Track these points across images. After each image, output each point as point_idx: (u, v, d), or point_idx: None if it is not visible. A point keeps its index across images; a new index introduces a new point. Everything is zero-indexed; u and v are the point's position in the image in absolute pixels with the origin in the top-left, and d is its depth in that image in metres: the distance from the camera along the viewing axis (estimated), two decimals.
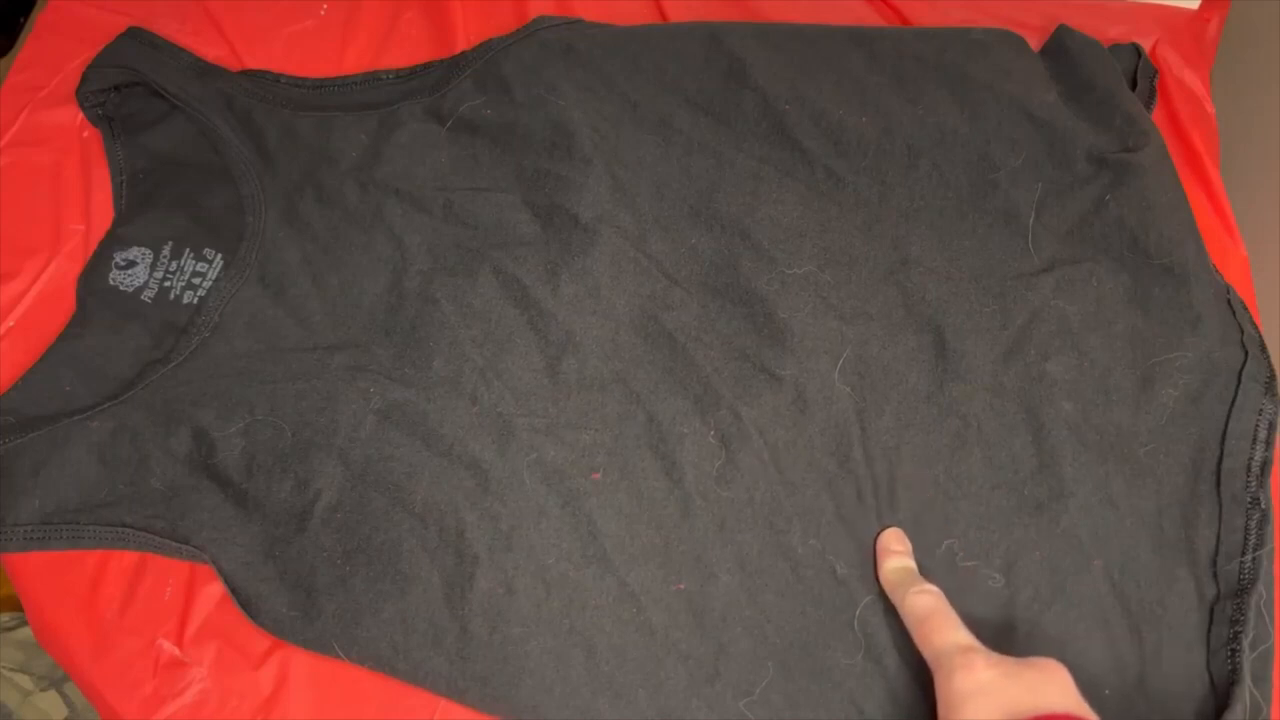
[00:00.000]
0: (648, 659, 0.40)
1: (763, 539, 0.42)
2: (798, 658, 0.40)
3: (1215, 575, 0.41)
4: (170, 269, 0.50)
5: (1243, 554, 0.41)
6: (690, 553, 0.42)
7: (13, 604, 0.75)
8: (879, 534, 0.42)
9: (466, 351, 0.46)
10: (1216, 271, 0.47)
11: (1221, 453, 0.43)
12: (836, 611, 0.41)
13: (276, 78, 0.54)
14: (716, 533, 0.42)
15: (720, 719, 0.39)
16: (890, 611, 0.40)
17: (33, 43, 0.56)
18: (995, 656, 0.36)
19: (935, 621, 0.38)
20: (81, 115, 0.53)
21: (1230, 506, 0.42)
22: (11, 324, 0.49)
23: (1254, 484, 0.42)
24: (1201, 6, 0.56)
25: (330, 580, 0.42)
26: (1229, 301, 0.46)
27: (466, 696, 0.40)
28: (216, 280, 0.49)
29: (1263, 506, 0.41)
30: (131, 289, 0.49)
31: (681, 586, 0.41)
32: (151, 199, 0.52)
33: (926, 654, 0.38)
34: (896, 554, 0.41)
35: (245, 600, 0.42)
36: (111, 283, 0.49)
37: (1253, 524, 0.41)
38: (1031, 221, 0.47)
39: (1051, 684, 0.35)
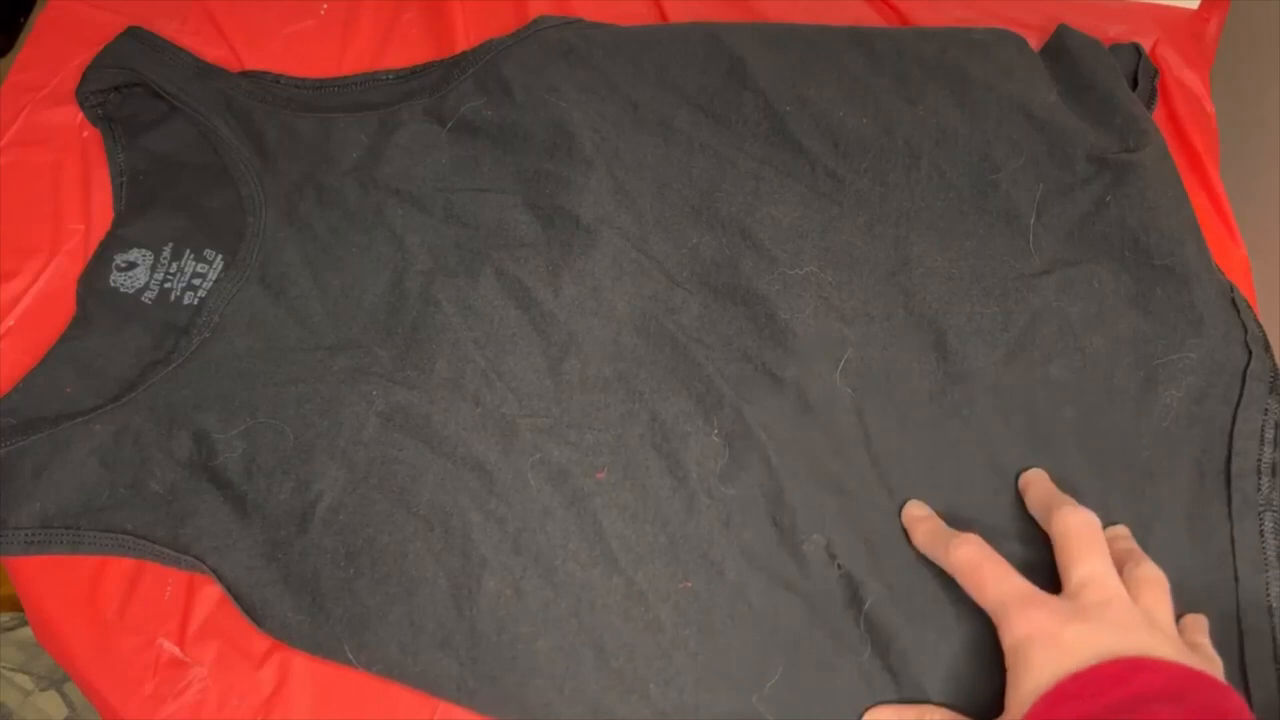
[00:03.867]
0: (657, 656, 0.40)
1: (767, 537, 0.42)
2: (806, 654, 0.40)
3: (1236, 580, 0.41)
4: (170, 270, 0.50)
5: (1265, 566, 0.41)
6: (696, 550, 0.42)
7: (13, 604, 0.75)
8: (902, 507, 0.42)
9: (469, 353, 0.46)
10: (1219, 271, 0.47)
11: (1229, 453, 0.43)
12: (843, 608, 0.41)
13: (276, 78, 0.54)
14: (721, 530, 0.42)
15: (732, 713, 0.39)
16: (895, 607, 0.40)
17: (33, 43, 0.56)
18: (1055, 602, 0.35)
19: (986, 571, 0.37)
20: (81, 115, 0.53)
21: (1241, 508, 0.42)
22: (11, 324, 0.49)
23: (1266, 485, 0.42)
24: (1201, 6, 0.56)
25: (335, 583, 0.41)
26: (1233, 300, 0.46)
27: (476, 698, 0.40)
28: (217, 281, 0.49)
29: (1275, 509, 0.42)
30: (132, 290, 0.49)
31: (689, 584, 0.41)
32: (152, 200, 0.52)
33: (983, 604, 0.37)
34: (923, 519, 0.41)
35: (250, 607, 0.42)
36: (112, 284, 0.49)
37: (1267, 527, 0.41)
38: (1032, 222, 0.47)
39: (1114, 628, 0.34)
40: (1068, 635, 0.34)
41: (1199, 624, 0.39)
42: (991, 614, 0.37)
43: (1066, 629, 0.34)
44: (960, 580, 0.39)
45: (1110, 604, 0.35)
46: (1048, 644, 0.34)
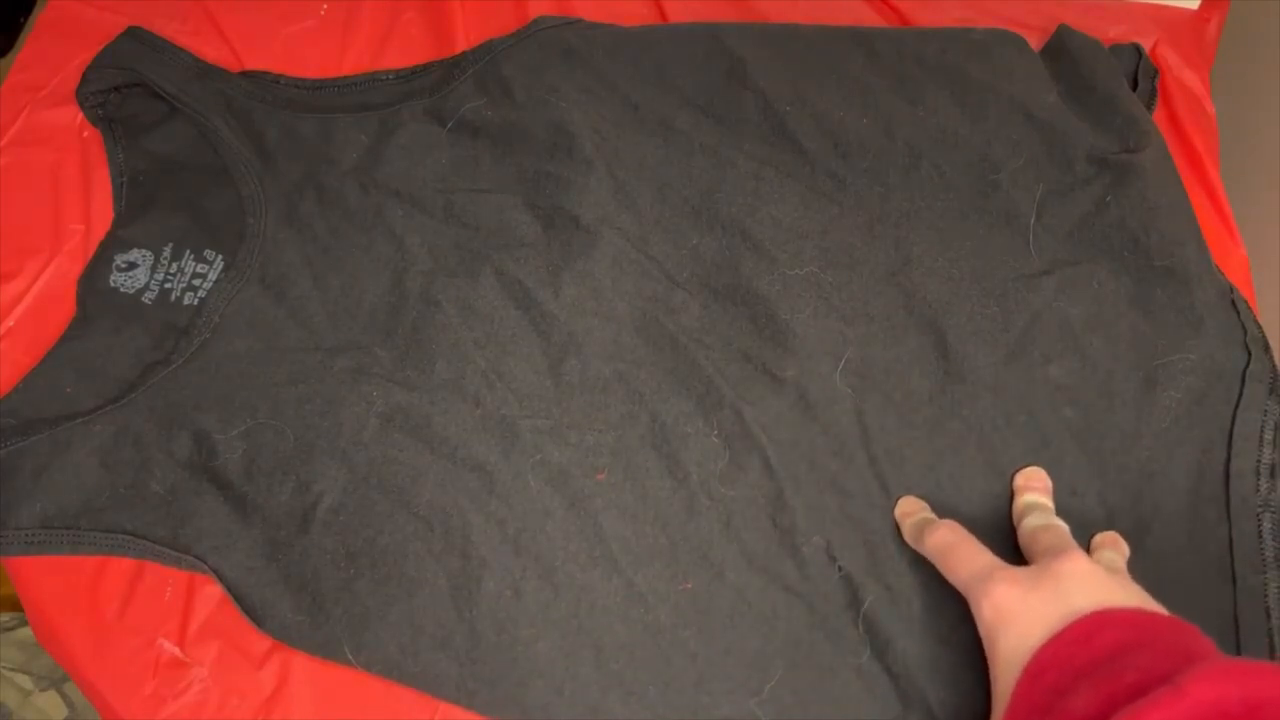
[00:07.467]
0: (656, 657, 0.40)
1: (767, 538, 0.42)
2: (805, 656, 0.40)
3: (1234, 581, 0.41)
4: (171, 270, 0.50)
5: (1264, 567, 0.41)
6: (696, 551, 0.42)
7: (13, 604, 0.75)
8: (896, 503, 0.42)
9: (469, 353, 0.46)
10: (1219, 272, 0.47)
11: (1229, 454, 0.43)
12: (842, 610, 0.41)
13: (276, 78, 0.54)
14: (721, 531, 0.42)
15: (731, 715, 0.39)
16: (894, 609, 0.40)
17: (33, 43, 0.56)
18: (1013, 573, 0.36)
19: (957, 552, 0.38)
20: (81, 115, 0.53)
21: (1240, 509, 0.42)
22: (11, 324, 0.49)
23: (1264, 486, 0.42)
24: (1201, 6, 0.56)
25: (336, 583, 0.42)
26: (1233, 301, 0.46)
27: (476, 699, 0.40)
28: (217, 281, 0.49)
29: (1274, 509, 0.41)
30: (132, 291, 0.49)
31: (689, 585, 0.41)
32: (152, 201, 0.52)
33: (957, 586, 0.38)
34: (912, 514, 0.42)
35: (250, 608, 0.42)
36: (112, 284, 0.49)
37: (1265, 528, 0.41)
38: (1032, 222, 0.47)
39: (1072, 582, 0.34)
40: (1031, 606, 0.34)
41: (1112, 542, 0.41)
42: (964, 594, 0.37)
43: (1028, 599, 0.34)
44: (936, 564, 0.39)
45: (1066, 556, 0.35)
46: (1012, 622, 0.34)
